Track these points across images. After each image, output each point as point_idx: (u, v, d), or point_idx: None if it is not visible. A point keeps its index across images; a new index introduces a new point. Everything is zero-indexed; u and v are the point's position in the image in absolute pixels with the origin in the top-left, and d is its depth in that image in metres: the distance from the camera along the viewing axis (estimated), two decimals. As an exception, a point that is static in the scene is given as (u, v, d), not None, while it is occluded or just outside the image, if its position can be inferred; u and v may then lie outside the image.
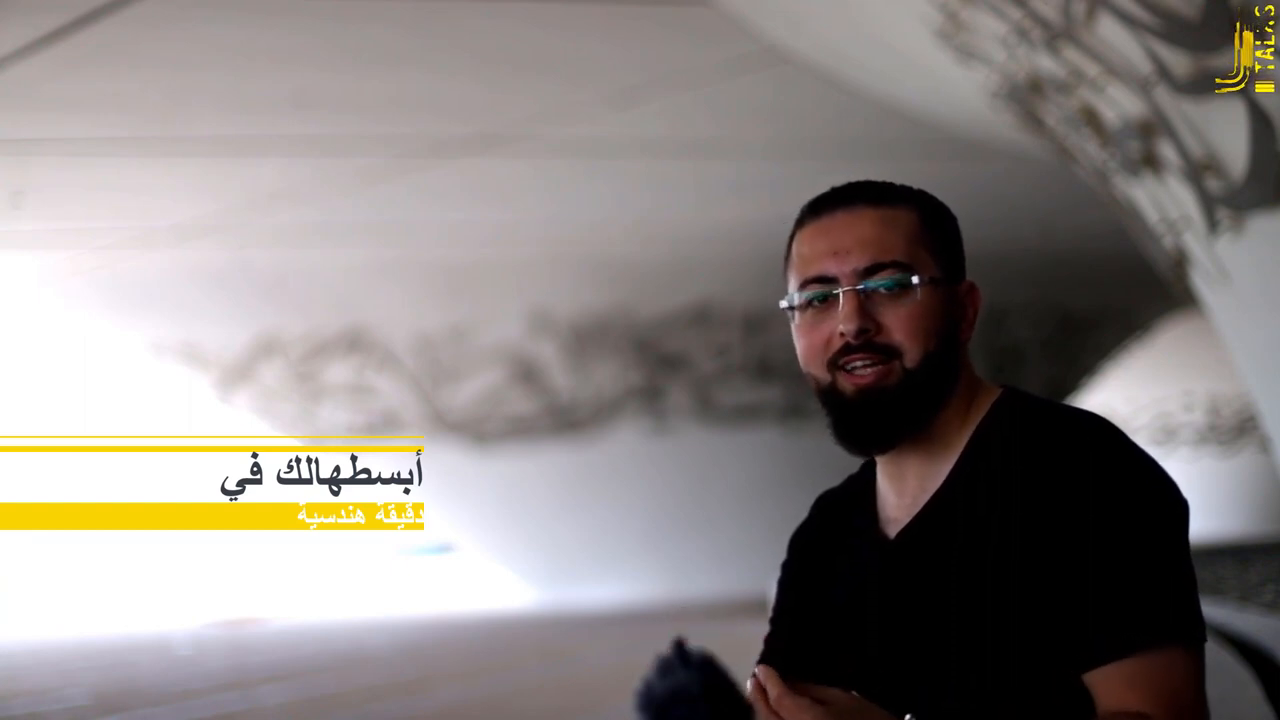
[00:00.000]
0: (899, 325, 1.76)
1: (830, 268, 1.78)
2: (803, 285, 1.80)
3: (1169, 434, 28.93)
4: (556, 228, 15.91)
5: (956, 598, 1.72)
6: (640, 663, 1.55)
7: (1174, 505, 1.71)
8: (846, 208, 1.81)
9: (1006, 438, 1.76)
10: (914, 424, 1.77)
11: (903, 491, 1.82)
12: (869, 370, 1.76)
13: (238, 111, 11.65)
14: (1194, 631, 1.67)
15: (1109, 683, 1.65)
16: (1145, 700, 1.64)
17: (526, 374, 18.55)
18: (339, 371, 18.64)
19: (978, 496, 1.74)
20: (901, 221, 1.80)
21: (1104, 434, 1.73)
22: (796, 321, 1.82)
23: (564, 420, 18.81)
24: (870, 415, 1.76)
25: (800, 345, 1.81)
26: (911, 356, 1.76)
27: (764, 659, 1.96)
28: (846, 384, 1.77)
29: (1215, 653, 4.18)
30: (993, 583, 1.69)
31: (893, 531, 1.82)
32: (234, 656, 15.20)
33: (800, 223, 1.84)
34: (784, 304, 1.82)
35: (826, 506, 1.96)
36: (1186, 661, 1.67)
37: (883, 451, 1.81)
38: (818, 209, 1.83)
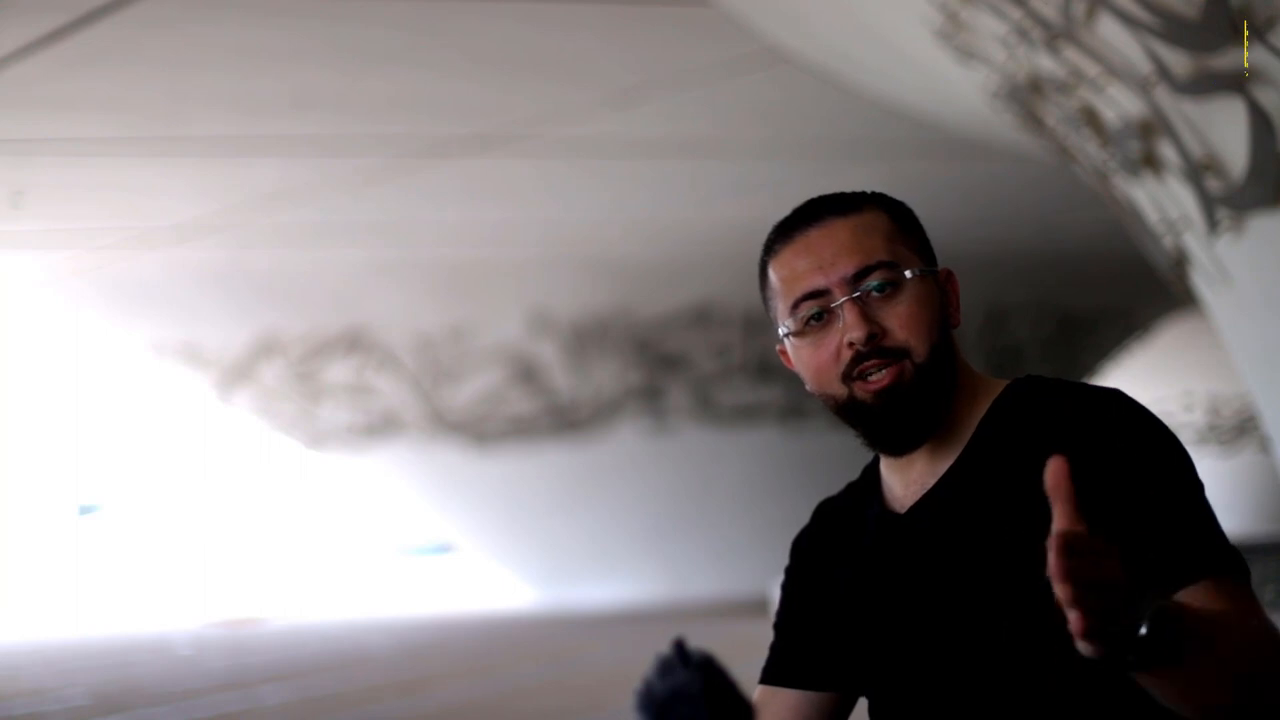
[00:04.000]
0: (901, 325, 1.77)
1: (819, 281, 1.78)
2: (795, 306, 1.79)
3: (1169, 434, 28.89)
4: (556, 228, 15.91)
5: (978, 566, 1.72)
6: (640, 663, 1.55)
7: (1195, 469, 1.75)
8: (816, 224, 1.81)
9: (1022, 411, 1.77)
10: (937, 417, 1.79)
11: (909, 481, 1.83)
12: (883, 373, 1.76)
13: (238, 111, 11.66)
14: (1245, 566, 1.69)
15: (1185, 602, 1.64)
16: (1229, 615, 1.63)
17: (526, 374, 18.55)
18: (339, 371, 18.64)
19: (993, 466, 1.75)
20: (873, 224, 1.81)
21: (1125, 397, 1.77)
22: (795, 345, 1.81)
23: (564, 420, 18.81)
24: (895, 416, 1.77)
25: (807, 368, 1.81)
26: (919, 352, 1.77)
27: (769, 665, 1.97)
28: (864, 392, 1.77)
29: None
30: (1025, 547, 1.69)
31: (901, 511, 1.82)
32: (234, 656, 15.20)
33: (771, 250, 1.84)
34: (782, 331, 1.82)
35: (827, 513, 1.96)
36: (1249, 590, 1.68)
37: (916, 448, 1.81)
38: (787, 231, 1.83)
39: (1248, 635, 1.60)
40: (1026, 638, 1.69)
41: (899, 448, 1.81)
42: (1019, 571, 1.69)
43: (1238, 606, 1.64)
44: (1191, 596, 1.63)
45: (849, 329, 1.76)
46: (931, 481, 1.80)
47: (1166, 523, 1.66)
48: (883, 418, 1.77)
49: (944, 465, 1.79)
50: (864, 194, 1.85)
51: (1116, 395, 1.76)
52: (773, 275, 1.83)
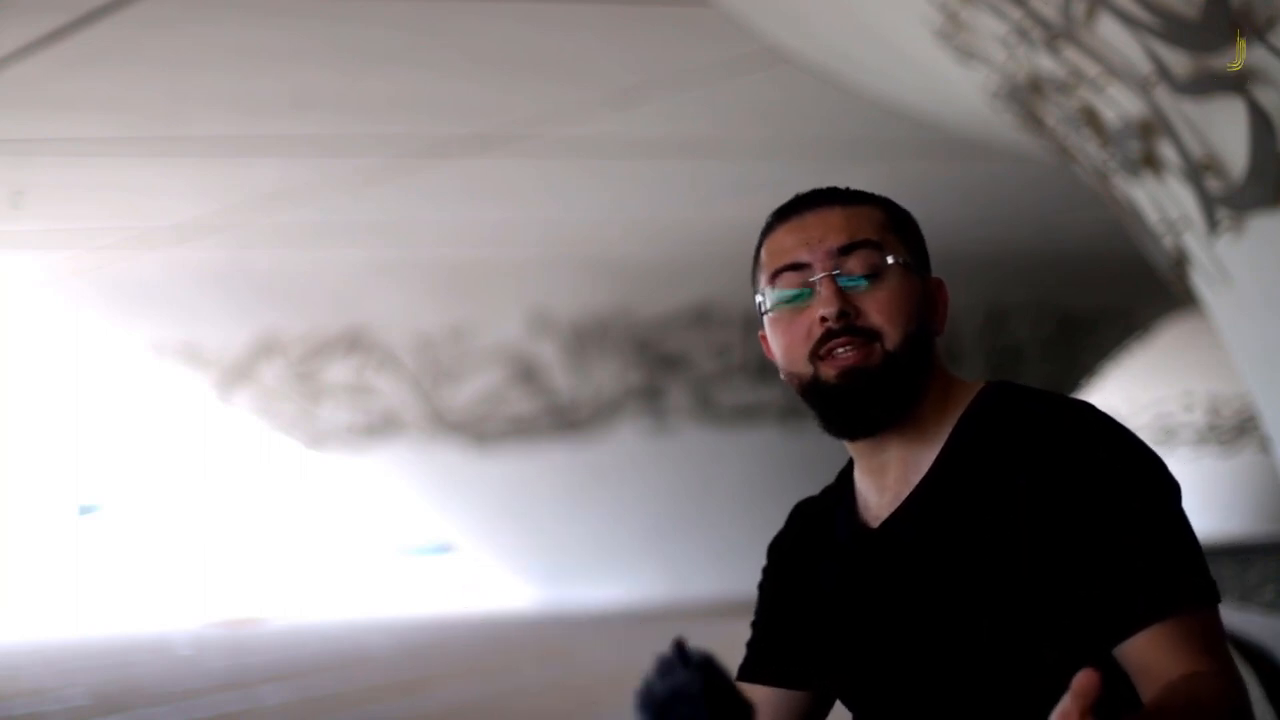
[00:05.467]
0: (877, 308, 1.76)
1: (803, 255, 1.78)
2: (774, 276, 1.79)
3: (1169, 434, 28.94)
4: (556, 228, 15.91)
5: (953, 582, 1.71)
6: (640, 663, 1.55)
7: (1171, 479, 1.73)
8: (813, 209, 1.81)
9: (997, 422, 1.76)
10: (899, 406, 1.77)
11: (884, 487, 1.81)
12: (851, 352, 1.75)
13: (238, 111, 11.66)
14: (1214, 590, 1.68)
15: (1149, 649, 1.64)
16: (1191, 660, 1.63)
17: (526, 374, 18.55)
18: (339, 371, 18.64)
19: (968, 480, 1.74)
20: (869, 214, 1.81)
21: (1098, 413, 1.74)
22: (770, 321, 1.81)
23: (564, 420, 18.81)
24: (855, 397, 1.75)
25: (779, 343, 1.80)
26: (892, 338, 1.75)
27: (746, 663, 1.96)
28: (828, 370, 1.76)
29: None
30: (999, 564, 1.69)
31: (875, 524, 1.81)
32: (234, 656, 15.20)
33: (768, 229, 1.84)
34: (758, 301, 1.81)
35: (804, 515, 1.95)
36: (1214, 619, 1.68)
37: (870, 434, 1.79)
38: (784, 214, 1.83)
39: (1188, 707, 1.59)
40: (1000, 657, 1.69)
41: (853, 431, 1.79)
42: (990, 592, 1.68)
43: (1193, 650, 1.63)
44: (1149, 641, 1.64)
45: (823, 304, 1.75)
46: (905, 491, 1.78)
47: (1127, 561, 1.65)
48: (843, 398, 1.75)
49: (917, 474, 1.78)
50: (867, 193, 1.85)
51: (1087, 411, 1.74)
52: (763, 253, 1.83)
